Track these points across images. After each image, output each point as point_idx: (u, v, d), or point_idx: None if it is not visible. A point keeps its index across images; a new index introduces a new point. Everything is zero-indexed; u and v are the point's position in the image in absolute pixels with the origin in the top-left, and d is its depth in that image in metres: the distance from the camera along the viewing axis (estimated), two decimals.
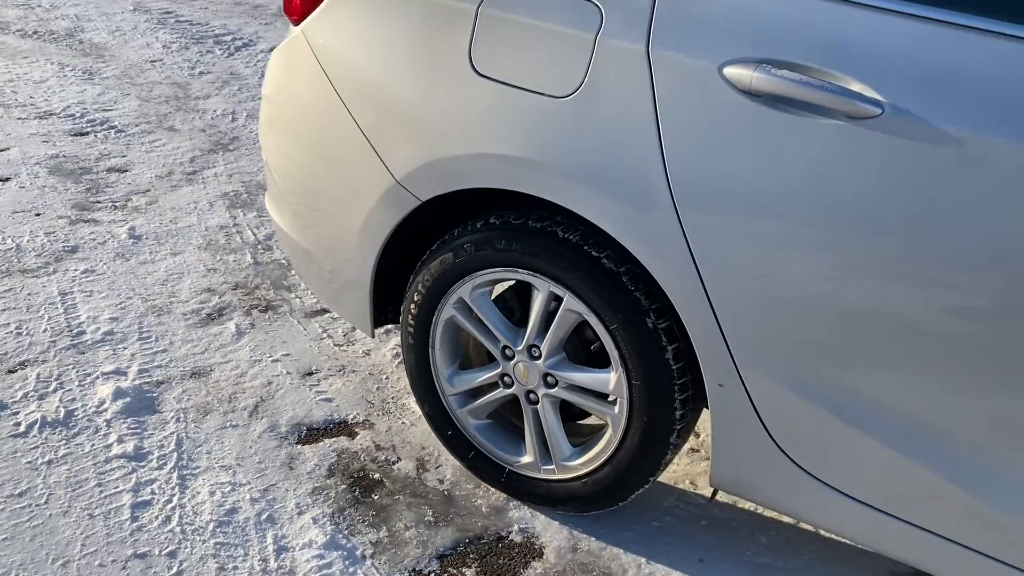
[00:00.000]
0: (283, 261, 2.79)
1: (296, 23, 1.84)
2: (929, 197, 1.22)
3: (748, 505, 1.89)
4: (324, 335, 2.41)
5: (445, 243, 1.72)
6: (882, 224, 1.25)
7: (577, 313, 1.60)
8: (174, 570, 1.64)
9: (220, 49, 5.21)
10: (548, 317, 1.66)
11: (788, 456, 1.48)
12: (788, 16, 1.31)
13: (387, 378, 2.24)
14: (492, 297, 1.77)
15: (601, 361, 1.66)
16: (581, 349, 1.72)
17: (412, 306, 1.80)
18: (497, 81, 1.53)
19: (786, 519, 1.85)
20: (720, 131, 1.35)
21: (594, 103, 1.45)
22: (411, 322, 1.82)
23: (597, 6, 1.45)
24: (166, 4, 6.34)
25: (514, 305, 1.80)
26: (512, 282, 1.78)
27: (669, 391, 1.56)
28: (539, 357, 1.69)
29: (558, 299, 1.62)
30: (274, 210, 2.09)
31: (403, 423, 2.08)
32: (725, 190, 1.35)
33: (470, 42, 1.56)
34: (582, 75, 1.45)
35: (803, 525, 1.84)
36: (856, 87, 1.25)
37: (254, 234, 2.96)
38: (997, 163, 1.17)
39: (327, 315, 2.51)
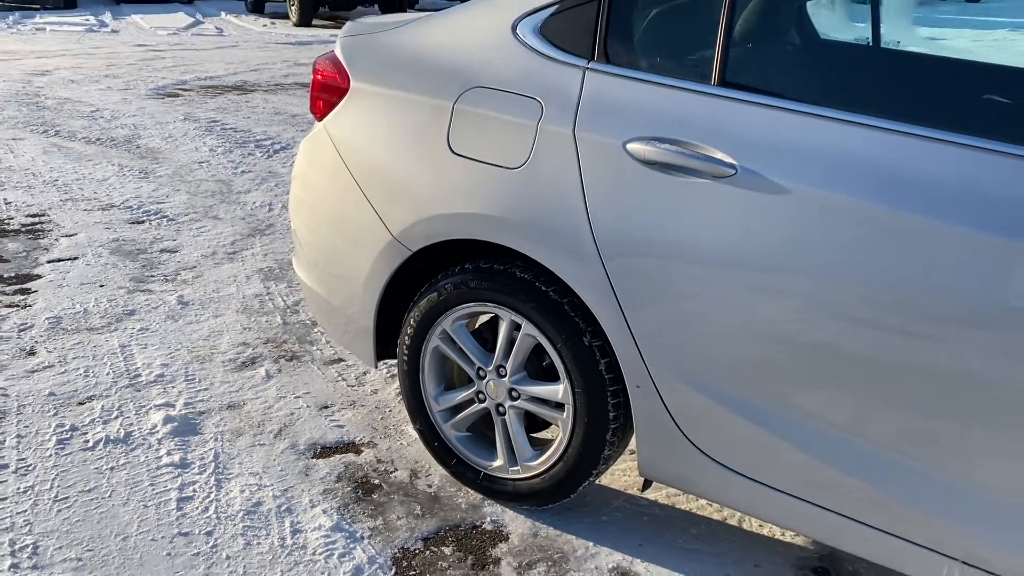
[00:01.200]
0: (308, 321, 3.26)
1: (319, 120, 2.36)
2: (775, 233, 1.66)
3: (685, 505, 2.25)
4: (339, 378, 2.86)
5: (431, 286, 2.17)
6: (745, 256, 1.69)
7: (532, 336, 2.04)
8: (210, 544, 2.05)
9: (260, 152, 5.86)
10: (511, 342, 2.09)
11: (693, 444, 1.88)
12: (670, 106, 1.79)
13: (390, 411, 2.67)
14: (470, 330, 2.21)
15: (552, 376, 2.08)
16: (538, 367, 2.14)
17: (406, 338, 2.25)
18: (467, 158, 2.02)
19: (715, 516, 2.22)
20: (627, 193, 1.81)
21: (538, 172, 1.92)
22: (405, 352, 2.26)
23: (539, 101, 1.94)
24: (213, 114, 7.09)
25: (487, 335, 2.24)
26: (488, 317, 2.22)
27: (603, 397, 1.97)
28: (505, 375, 2.12)
29: (518, 327, 2.06)
30: (300, 269, 2.57)
31: (401, 444, 2.49)
32: (633, 239, 1.80)
33: (448, 130, 2.06)
34: (528, 151, 1.93)
35: (729, 521, 2.20)
36: (717, 155, 1.71)
37: (284, 300, 3.45)
38: (813, 207, 1.61)
39: (343, 363, 2.95)
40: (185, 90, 8.25)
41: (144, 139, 6.18)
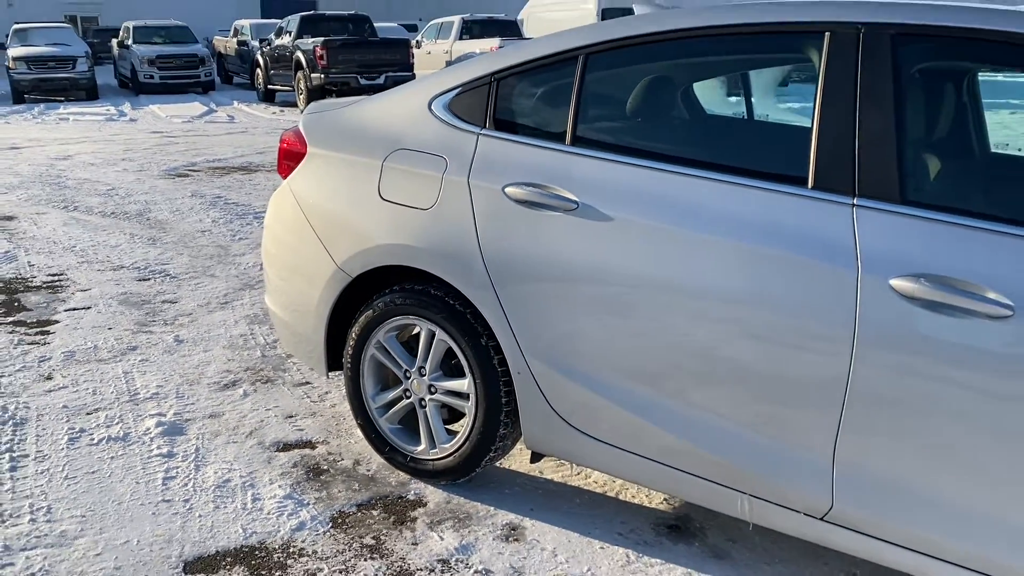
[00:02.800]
0: (283, 355, 3.82)
1: (284, 178, 2.98)
2: (608, 249, 2.23)
3: (574, 482, 2.77)
4: (305, 396, 3.40)
5: (368, 305, 2.74)
6: (589, 269, 2.26)
7: (444, 341, 2.60)
8: (187, 507, 2.57)
9: (258, 222, 6.52)
10: (429, 347, 2.65)
11: (563, 419, 2.41)
12: (535, 159, 2.40)
13: (344, 419, 3.20)
14: (400, 340, 2.77)
15: (460, 373, 2.63)
16: (449, 367, 2.69)
17: (349, 349, 2.81)
18: (392, 202, 2.62)
19: (598, 489, 2.72)
20: (505, 224, 2.40)
21: (443, 212, 2.52)
22: (348, 360, 2.81)
23: (444, 158, 2.55)
24: (218, 191, 7.80)
25: (412, 344, 2.80)
26: (415, 330, 2.78)
27: (497, 385, 2.51)
28: (425, 374, 2.67)
29: (434, 334, 2.62)
30: (268, 300, 3.14)
31: (349, 442, 3.02)
32: (511, 259, 2.38)
33: (379, 182, 2.67)
34: (436, 196, 2.53)
35: (608, 493, 2.71)
36: (565, 194, 2.30)
37: (264, 339, 4.02)
38: (634, 229, 2.19)
39: (309, 385, 3.50)
40: (194, 171, 9.01)
41: (154, 212, 6.86)
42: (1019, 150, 1.85)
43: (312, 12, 18.80)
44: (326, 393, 3.43)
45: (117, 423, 3.12)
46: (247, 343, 3.97)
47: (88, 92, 18.36)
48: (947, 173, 2.22)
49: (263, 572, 2.30)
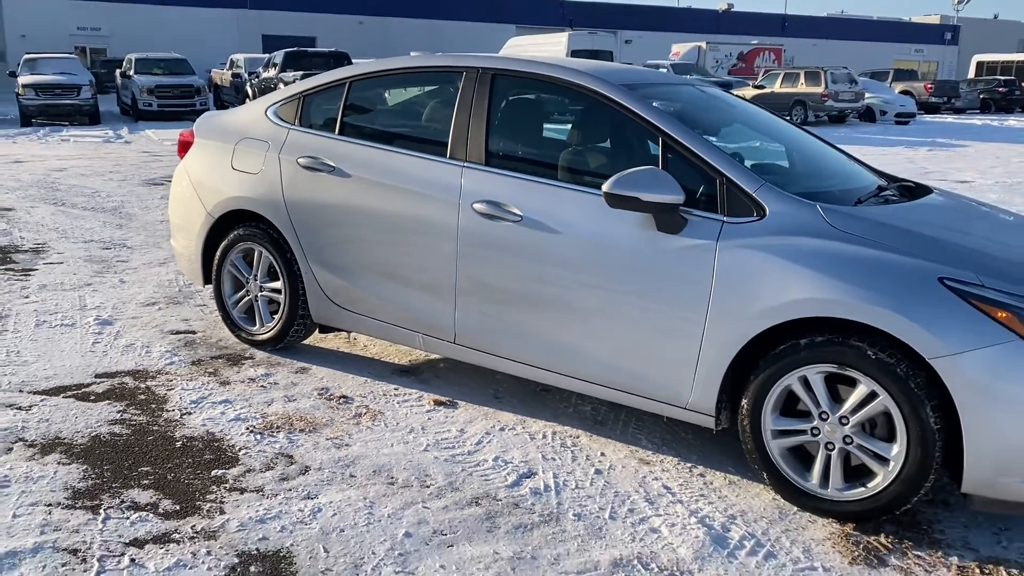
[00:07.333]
0: (195, 290, 5.41)
1: (182, 159, 4.61)
2: (351, 199, 3.84)
3: (347, 349, 4.34)
4: (200, 311, 5.00)
5: (225, 237, 4.34)
6: (339, 209, 3.86)
7: (267, 257, 4.19)
8: (104, 354, 4.15)
9: None
10: (259, 261, 4.24)
11: (330, 299, 4.00)
12: (316, 143, 4.01)
13: (217, 322, 4.79)
14: (246, 261, 4.36)
15: (278, 277, 4.22)
16: (273, 274, 4.28)
17: (215, 265, 4.40)
18: (238, 170, 4.24)
19: (364, 353, 4.29)
20: (297, 181, 4.01)
21: (265, 176, 4.13)
22: (215, 272, 4.41)
23: (268, 143, 4.17)
24: None
25: (251, 261, 4.38)
26: (254, 252, 4.36)
27: (296, 283, 4.11)
28: (257, 279, 4.26)
29: (263, 253, 4.21)
30: (172, 241, 4.74)
31: (218, 332, 4.61)
32: (299, 202, 3.99)
33: (231, 157, 4.28)
34: (262, 164, 4.15)
35: (367, 355, 4.28)
36: (331, 163, 3.92)
37: (184, 283, 5.62)
38: (363, 184, 3.81)
39: (205, 307, 5.09)
40: (169, 180, 10.67)
41: (127, 208, 8.51)
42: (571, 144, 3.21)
43: (296, 48, 20.73)
44: (214, 311, 5.02)
45: (68, 318, 4.73)
46: (171, 285, 5.58)
47: (91, 117, 20.13)
48: (509, 150, 3.79)
49: (141, 379, 3.88)
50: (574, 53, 23.57)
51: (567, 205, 3.31)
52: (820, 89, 24.13)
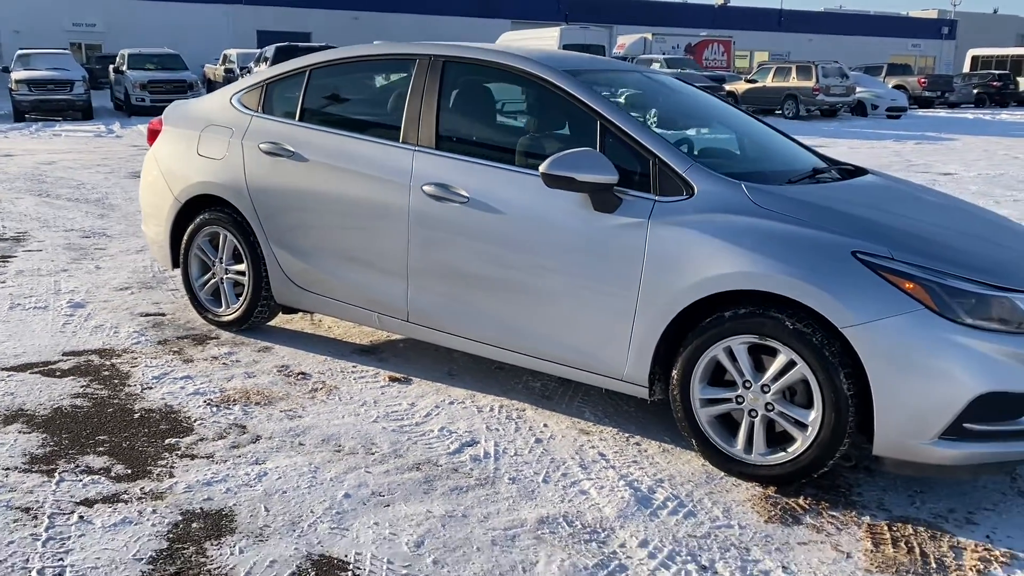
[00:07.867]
0: (168, 276, 5.54)
1: (151, 146, 4.73)
2: (309, 179, 3.98)
3: (311, 329, 4.47)
4: (171, 295, 5.13)
5: (191, 221, 4.47)
6: (300, 191, 3.99)
7: (232, 240, 4.32)
8: (73, 334, 4.29)
9: None
10: (223, 244, 4.37)
11: (292, 280, 4.13)
12: (278, 129, 4.14)
13: (186, 306, 4.92)
14: (212, 244, 4.49)
15: (242, 260, 4.35)
16: (237, 257, 4.41)
17: (182, 249, 4.53)
18: (204, 156, 4.37)
19: (334, 336, 4.42)
20: (258, 166, 4.14)
21: (229, 161, 4.26)
22: (182, 256, 4.54)
23: (232, 129, 4.30)
24: None
25: (216, 245, 4.51)
26: (219, 236, 4.50)
27: (259, 265, 4.24)
28: (222, 263, 4.40)
29: (227, 237, 4.34)
30: (143, 226, 4.88)
31: (187, 314, 4.74)
32: (260, 186, 4.12)
33: (197, 144, 4.41)
34: (226, 150, 4.28)
35: (331, 335, 4.41)
36: (290, 148, 4.05)
37: (158, 270, 5.75)
38: (320, 167, 3.94)
39: (177, 291, 5.22)
40: None
41: (110, 199, 8.64)
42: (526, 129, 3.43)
43: (287, 44, 20.82)
44: (185, 295, 5.15)
45: (42, 302, 4.86)
46: (146, 271, 5.72)
47: (84, 112, 20.23)
48: (458, 134, 3.89)
49: (107, 356, 4.02)
50: (566, 47, 23.73)
51: (510, 186, 3.44)
52: (811, 83, 24.26)
